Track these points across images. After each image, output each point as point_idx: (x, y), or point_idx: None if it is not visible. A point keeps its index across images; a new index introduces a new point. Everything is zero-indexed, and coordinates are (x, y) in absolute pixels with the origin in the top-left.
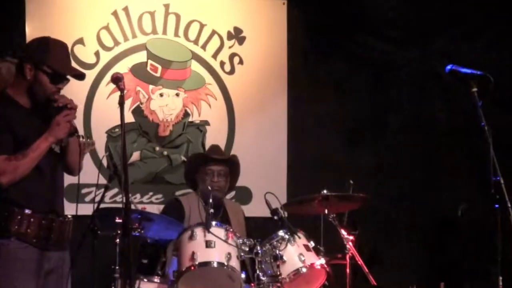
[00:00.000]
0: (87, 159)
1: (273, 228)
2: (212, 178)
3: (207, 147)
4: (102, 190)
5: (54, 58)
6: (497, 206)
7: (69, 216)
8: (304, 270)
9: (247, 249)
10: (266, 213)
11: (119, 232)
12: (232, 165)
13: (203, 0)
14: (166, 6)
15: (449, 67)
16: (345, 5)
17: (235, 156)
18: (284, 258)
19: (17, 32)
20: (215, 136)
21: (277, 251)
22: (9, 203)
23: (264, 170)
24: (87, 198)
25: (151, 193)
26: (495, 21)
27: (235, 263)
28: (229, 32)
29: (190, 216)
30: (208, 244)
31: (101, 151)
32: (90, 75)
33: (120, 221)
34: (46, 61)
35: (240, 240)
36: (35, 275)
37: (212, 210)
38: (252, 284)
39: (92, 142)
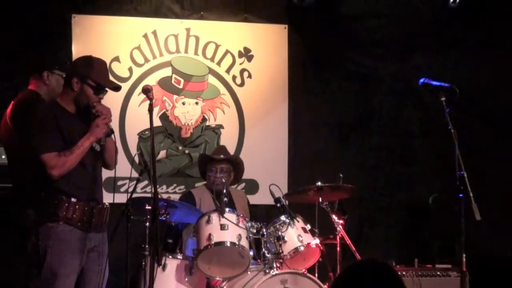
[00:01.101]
0: (122, 157)
1: (276, 213)
2: (216, 174)
3: None
4: (134, 182)
5: (97, 74)
6: (461, 195)
7: (107, 204)
8: (302, 248)
9: (254, 231)
10: (270, 201)
11: (148, 217)
12: (233, 163)
13: (218, 25)
14: (188, 30)
15: (422, 80)
16: (336, 28)
17: (236, 156)
18: (285, 238)
19: (65, 51)
20: (228, 138)
21: (280, 233)
22: (58, 193)
23: (269, 166)
24: (122, 189)
25: (175, 185)
26: (463, 40)
27: (245, 243)
28: (239, 51)
29: (200, 205)
30: (222, 227)
31: (133, 150)
32: (125, 87)
33: (149, 208)
34: (90, 76)
35: (249, 224)
36: (79, 253)
37: (226, 199)
38: (259, 260)
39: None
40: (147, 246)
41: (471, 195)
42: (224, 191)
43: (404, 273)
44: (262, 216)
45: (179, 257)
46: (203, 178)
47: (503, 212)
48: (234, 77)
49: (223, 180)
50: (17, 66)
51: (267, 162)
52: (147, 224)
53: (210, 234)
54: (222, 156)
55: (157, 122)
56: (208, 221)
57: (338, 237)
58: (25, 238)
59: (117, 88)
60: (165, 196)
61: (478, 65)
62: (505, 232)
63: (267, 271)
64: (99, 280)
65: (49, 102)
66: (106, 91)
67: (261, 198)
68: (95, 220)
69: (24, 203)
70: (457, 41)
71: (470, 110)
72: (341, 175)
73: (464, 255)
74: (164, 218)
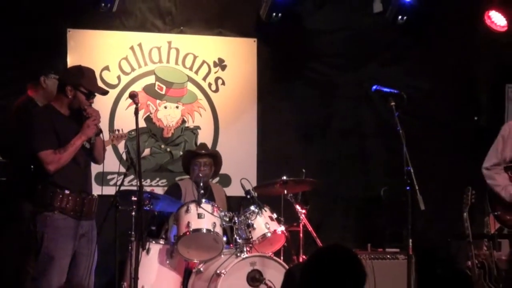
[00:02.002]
0: (111, 154)
1: (246, 204)
2: (199, 167)
3: None
4: (122, 176)
5: (88, 81)
6: (408, 188)
7: (95, 195)
8: (269, 234)
9: (227, 219)
10: (241, 193)
11: (134, 207)
12: (214, 158)
13: (196, 39)
14: (169, 43)
15: (374, 87)
16: (299, 42)
17: (216, 151)
18: (254, 226)
19: (61, 61)
20: (204, 137)
21: (249, 221)
22: (53, 186)
23: (240, 162)
24: (111, 182)
25: (157, 179)
26: (409, 52)
27: (219, 229)
28: (214, 62)
29: (185, 195)
30: (199, 216)
31: (121, 148)
32: (114, 92)
33: (135, 199)
34: (82, 84)
35: (223, 213)
36: (72, 238)
37: (202, 191)
38: (231, 245)
39: (125, 134)
40: (133, 233)
41: (417, 188)
42: (201, 183)
43: (358, 256)
44: (234, 206)
45: (161, 242)
46: (186, 172)
47: (444, 203)
48: (209, 84)
49: (206, 173)
50: (18, 74)
51: (238, 158)
52: (133, 213)
53: (188, 222)
54: (203, 151)
55: (142, 124)
56: (187, 211)
57: (301, 225)
58: (23, 226)
59: (105, 93)
60: (149, 189)
61: (422, 74)
62: (445, 220)
63: (238, 254)
64: (89, 262)
65: (44, 106)
66: (95, 96)
67: (233, 190)
68: (85, 209)
69: (22, 196)
70: (405, 53)
71: (415, 114)
72: (303, 170)
73: (410, 240)
74: (148, 208)
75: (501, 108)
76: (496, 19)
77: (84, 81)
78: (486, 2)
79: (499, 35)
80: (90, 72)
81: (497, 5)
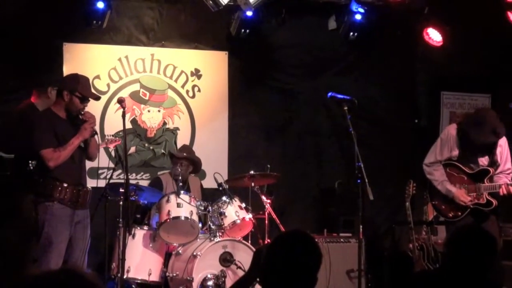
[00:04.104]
0: (102, 152)
1: (219, 195)
2: (179, 166)
3: (178, 145)
4: (111, 171)
5: (82, 87)
6: (359, 181)
7: (89, 187)
8: (238, 221)
9: (202, 208)
10: (214, 186)
11: (122, 197)
12: (191, 160)
13: (175, 52)
14: (152, 55)
15: (329, 93)
16: (265, 54)
17: (195, 156)
18: (226, 214)
19: (58, 71)
20: (182, 137)
21: (221, 210)
22: (53, 179)
23: (213, 158)
24: (102, 176)
25: (142, 173)
26: (360, 64)
27: (195, 217)
28: (191, 71)
29: (166, 187)
30: (178, 205)
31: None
32: (104, 98)
33: (123, 190)
34: (77, 89)
35: (199, 203)
36: (69, 225)
37: (181, 184)
38: (205, 230)
39: (117, 139)
40: (120, 220)
41: (366, 181)
42: (180, 177)
43: (316, 240)
44: (208, 197)
45: (145, 228)
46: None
47: (390, 194)
48: (187, 91)
49: (183, 171)
50: (22, 82)
51: (212, 155)
52: (121, 203)
53: (169, 211)
54: (185, 154)
55: (128, 125)
56: (168, 201)
57: (266, 213)
58: (24, 214)
59: (97, 98)
60: (134, 182)
61: (371, 82)
62: (390, 209)
63: (212, 238)
64: (83, 246)
65: (45, 110)
66: (89, 100)
67: (208, 183)
68: (80, 200)
69: (23, 188)
70: (355, 64)
71: (365, 117)
72: (268, 166)
73: (361, 226)
74: (134, 199)
75: (437, 112)
76: (433, 35)
77: (79, 87)
78: (424, 20)
79: (436, 49)
80: (85, 79)
81: (434, 24)
